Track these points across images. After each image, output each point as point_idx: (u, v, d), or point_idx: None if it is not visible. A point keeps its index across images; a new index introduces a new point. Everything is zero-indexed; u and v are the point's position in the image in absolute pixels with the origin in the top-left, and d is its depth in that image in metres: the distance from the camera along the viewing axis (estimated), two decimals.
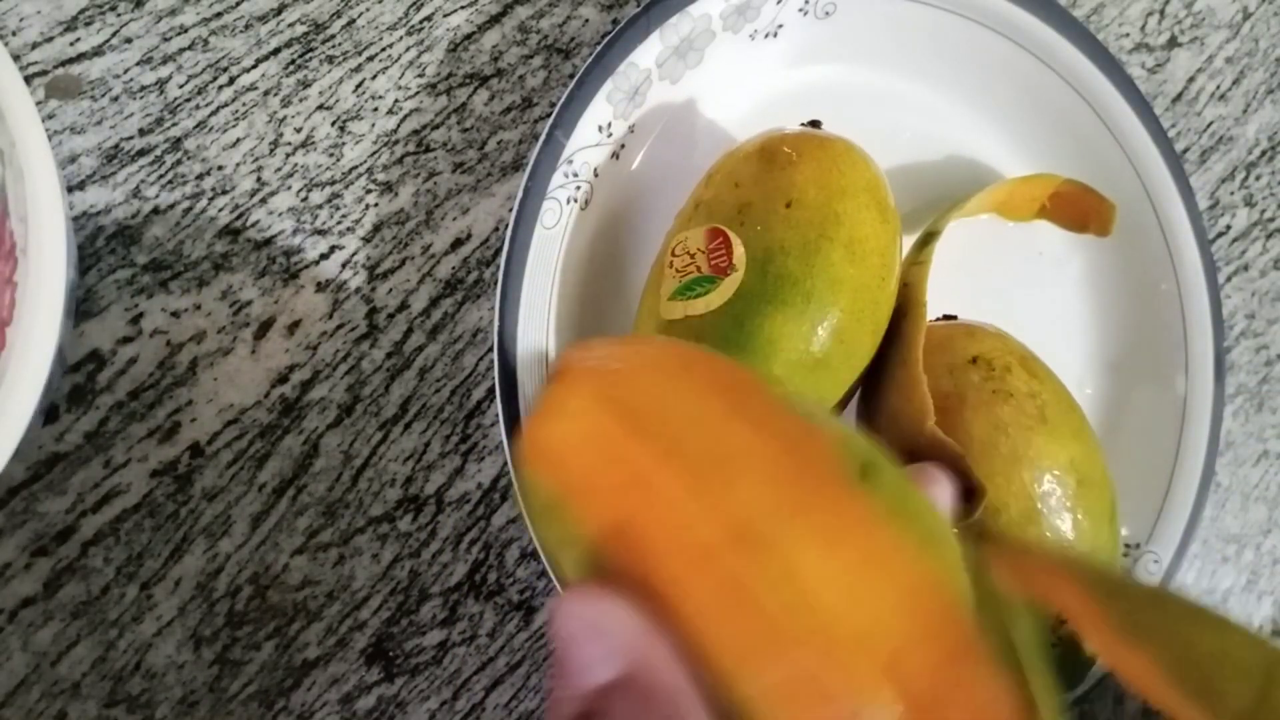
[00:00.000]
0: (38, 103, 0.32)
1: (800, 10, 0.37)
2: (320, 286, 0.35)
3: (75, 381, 0.32)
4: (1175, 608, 0.22)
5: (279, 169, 0.35)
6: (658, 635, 0.19)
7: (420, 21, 0.36)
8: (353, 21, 0.36)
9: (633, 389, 0.23)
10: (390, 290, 0.35)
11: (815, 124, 0.36)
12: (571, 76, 0.37)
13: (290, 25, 0.35)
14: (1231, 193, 0.47)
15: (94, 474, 0.32)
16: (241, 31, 0.35)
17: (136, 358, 0.33)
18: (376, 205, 0.35)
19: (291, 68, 0.35)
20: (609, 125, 0.34)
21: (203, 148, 0.34)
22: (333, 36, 0.36)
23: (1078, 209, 0.40)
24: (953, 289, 0.40)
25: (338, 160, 0.35)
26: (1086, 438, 0.34)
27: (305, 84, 0.35)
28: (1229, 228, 0.47)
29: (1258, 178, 0.48)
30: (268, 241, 0.34)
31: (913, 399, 0.32)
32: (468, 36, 0.37)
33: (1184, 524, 0.40)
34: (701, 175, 0.34)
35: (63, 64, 0.33)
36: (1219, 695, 0.20)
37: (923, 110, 0.41)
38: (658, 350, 0.24)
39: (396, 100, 0.36)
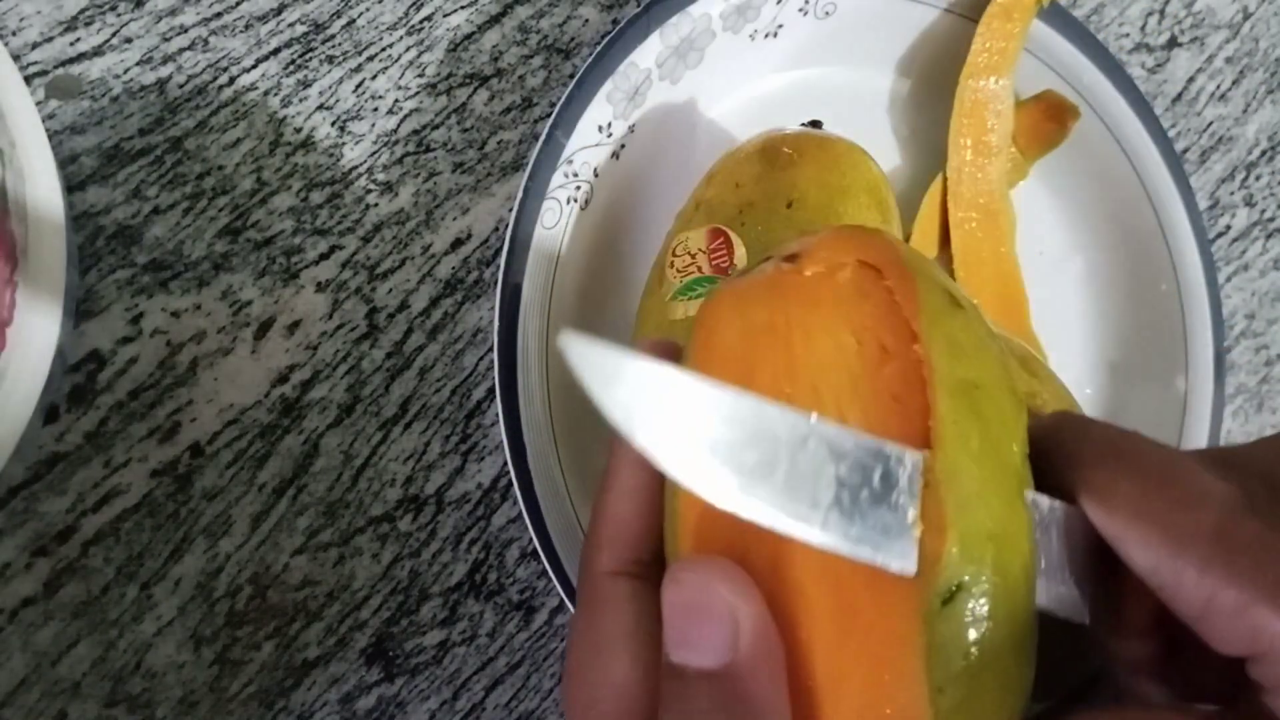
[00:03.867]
0: (38, 103, 0.32)
1: (800, 10, 0.37)
2: (320, 286, 0.35)
3: (75, 381, 0.32)
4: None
5: (279, 169, 0.35)
6: (774, 640, 0.18)
7: (420, 21, 0.36)
8: (353, 21, 0.36)
9: (812, 345, 0.21)
10: (390, 290, 0.35)
11: (816, 124, 0.36)
12: (571, 76, 0.37)
13: (290, 25, 0.35)
14: (1231, 193, 0.47)
15: (94, 474, 0.32)
16: (241, 31, 0.35)
17: (136, 358, 0.33)
18: (376, 205, 0.35)
19: (291, 68, 0.35)
20: (609, 125, 0.34)
21: (203, 148, 0.34)
22: (333, 36, 0.36)
23: (1043, 121, 0.40)
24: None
25: (338, 160, 0.35)
26: None
27: (305, 84, 0.35)
28: (1229, 228, 0.47)
29: (1258, 178, 0.48)
30: (268, 241, 0.34)
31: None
32: (468, 36, 0.37)
33: None
34: (701, 175, 0.34)
35: (63, 64, 0.33)
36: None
37: (923, 110, 0.41)
38: (876, 319, 0.22)
39: (396, 100, 0.36)
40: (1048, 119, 0.40)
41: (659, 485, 0.22)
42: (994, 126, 0.39)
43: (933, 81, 0.40)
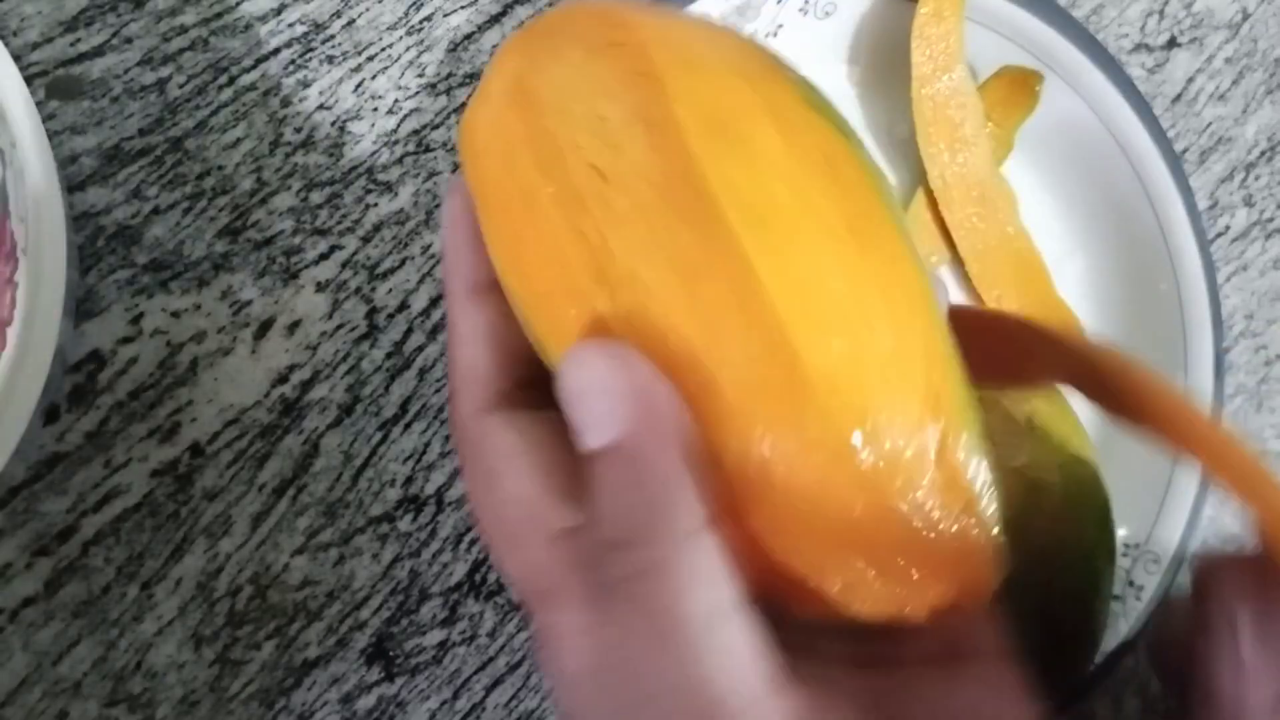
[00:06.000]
0: (38, 103, 0.32)
1: (800, 10, 0.37)
2: (320, 286, 0.35)
3: (75, 381, 0.32)
4: None
5: (279, 169, 0.35)
6: (663, 395, 0.18)
7: (420, 21, 0.36)
8: (353, 21, 0.36)
9: (547, 77, 0.21)
10: (390, 290, 0.35)
11: None
12: None
13: (290, 25, 0.35)
14: (1231, 193, 0.47)
15: (94, 474, 0.32)
16: (241, 31, 0.35)
17: (136, 358, 0.33)
18: (376, 205, 0.35)
19: (291, 68, 0.35)
20: None
21: (203, 148, 0.34)
22: (333, 36, 0.36)
23: (1012, 93, 0.40)
24: (952, 289, 0.40)
25: (338, 160, 0.35)
26: (1079, 441, 0.34)
27: (305, 84, 0.35)
28: (1228, 228, 0.47)
29: (1257, 178, 0.48)
30: (268, 241, 0.34)
31: None
32: (468, 36, 0.37)
33: (1184, 524, 0.40)
34: None
35: (63, 64, 0.33)
36: None
37: None
38: (594, 23, 0.22)
39: (396, 100, 0.36)
40: (1015, 90, 0.40)
41: (498, 321, 0.22)
42: (963, 119, 0.39)
43: None
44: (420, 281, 0.36)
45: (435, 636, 0.35)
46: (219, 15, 0.35)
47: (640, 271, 0.19)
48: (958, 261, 0.40)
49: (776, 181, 0.19)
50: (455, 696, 0.35)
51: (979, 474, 0.19)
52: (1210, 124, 0.47)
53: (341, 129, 0.35)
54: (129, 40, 0.34)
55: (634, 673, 0.18)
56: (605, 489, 0.19)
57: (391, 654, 0.34)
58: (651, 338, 0.19)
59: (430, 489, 0.35)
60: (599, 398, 0.18)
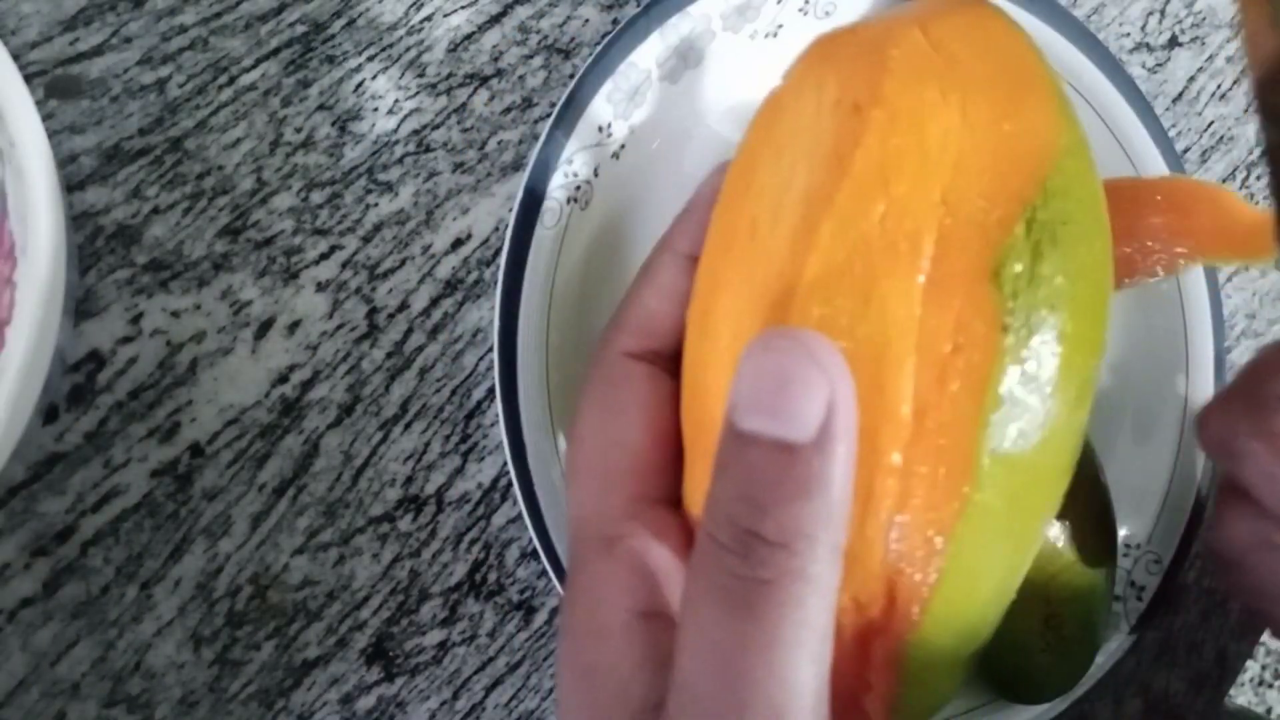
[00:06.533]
0: (37, 102, 0.32)
1: (800, 10, 0.37)
2: (320, 286, 0.35)
3: (75, 381, 0.32)
4: None
5: (279, 169, 0.35)
6: (856, 426, 0.17)
7: (420, 21, 0.36)
8: (353, 21, 0.36)
9: (792, 107, 0.21)
10: (390, 290, 0.35)
11: None
12: (571, 76, 0.37)
13: (290, 25, 0.35)
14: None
15: (94, 474, 0.32)
16: (241, 31, 0.35)
17: (136, 358, 0.33)
18: (376, 205, 0.35)
19: (291, 68, 0.35)
20: (609, 125, 0.34)
21: (203, 148, 0.34)
22: (333, 36, 0.36)
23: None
24: None
25: (338, 160, 0.35)
26: None
27: (305, 84, 0.35)
28: None
29: (1258, 178, 0.48)
30: (268, 241, 0.34)
31: None
32: (468, 36, 0.37)
33: (1184, 524, 0.40)
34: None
35: (62, 64, 0.33)
36: None
37: None
38: (860, 68, 0.20)
39: (396, 100, 0.36)
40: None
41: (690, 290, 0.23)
42: None
43: None
44: (420, 281, 0.36)
45: (435, 636, 0.35)
46: (219, 15, 0.34)
47: (720, 342, 0.19)
48: None
49: (854, 364, 0.18)
50: (455, 696, 0.35)
51: None
52: (1212, 123, 0.47)
53: (341, 129, 0.35)
54: (128, 40, 0.34)
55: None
56: (740, 476, 0.17)
57: (391, 654, 0.34)
58: (698, 400, 0.19)
59: (430, 489, 0.35)
60: (813, 394, 0.17)
